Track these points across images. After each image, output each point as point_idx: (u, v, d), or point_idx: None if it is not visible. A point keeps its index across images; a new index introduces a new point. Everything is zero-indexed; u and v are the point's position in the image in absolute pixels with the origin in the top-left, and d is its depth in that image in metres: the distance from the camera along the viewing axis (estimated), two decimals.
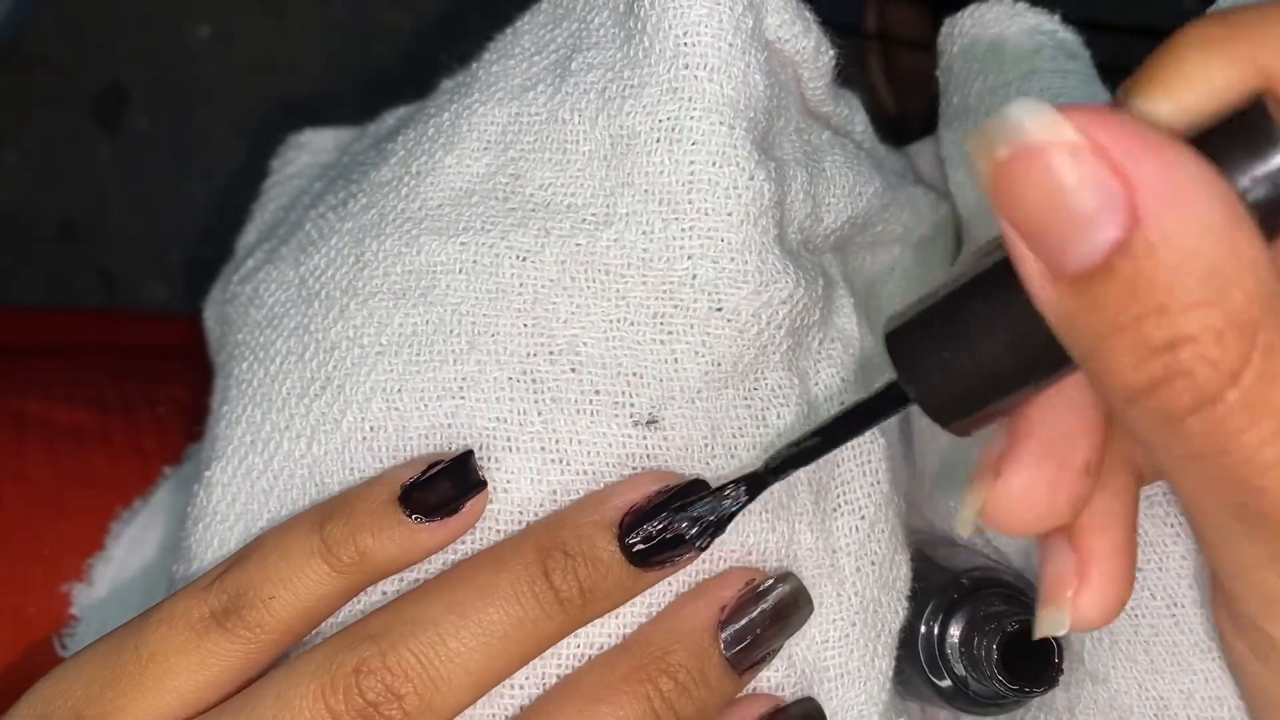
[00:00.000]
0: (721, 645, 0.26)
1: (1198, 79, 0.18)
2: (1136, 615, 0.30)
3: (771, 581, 0.27)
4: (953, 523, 0.35)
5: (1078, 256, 0.16)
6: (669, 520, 0.26)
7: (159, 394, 0.46)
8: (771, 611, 0.26)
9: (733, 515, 0.26)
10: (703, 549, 0.26)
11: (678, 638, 0.26)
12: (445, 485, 0.26)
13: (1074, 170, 0.16)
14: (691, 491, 0.26)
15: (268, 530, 0.27)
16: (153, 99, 0.68)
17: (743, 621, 0.26)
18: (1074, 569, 0.22)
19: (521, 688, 0.26)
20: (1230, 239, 0.16)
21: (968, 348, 0.20)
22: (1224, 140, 0.17)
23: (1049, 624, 0.23)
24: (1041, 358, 0.19)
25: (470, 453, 0.27)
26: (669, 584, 0.27)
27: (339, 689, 0.24)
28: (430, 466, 0.26)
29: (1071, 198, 0.16)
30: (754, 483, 0.26)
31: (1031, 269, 0.17)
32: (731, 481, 0.26)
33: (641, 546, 0.25)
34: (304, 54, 0.69)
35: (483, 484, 0.27)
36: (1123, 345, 0.16)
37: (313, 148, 0.40)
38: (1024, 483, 0.21)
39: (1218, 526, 0.18)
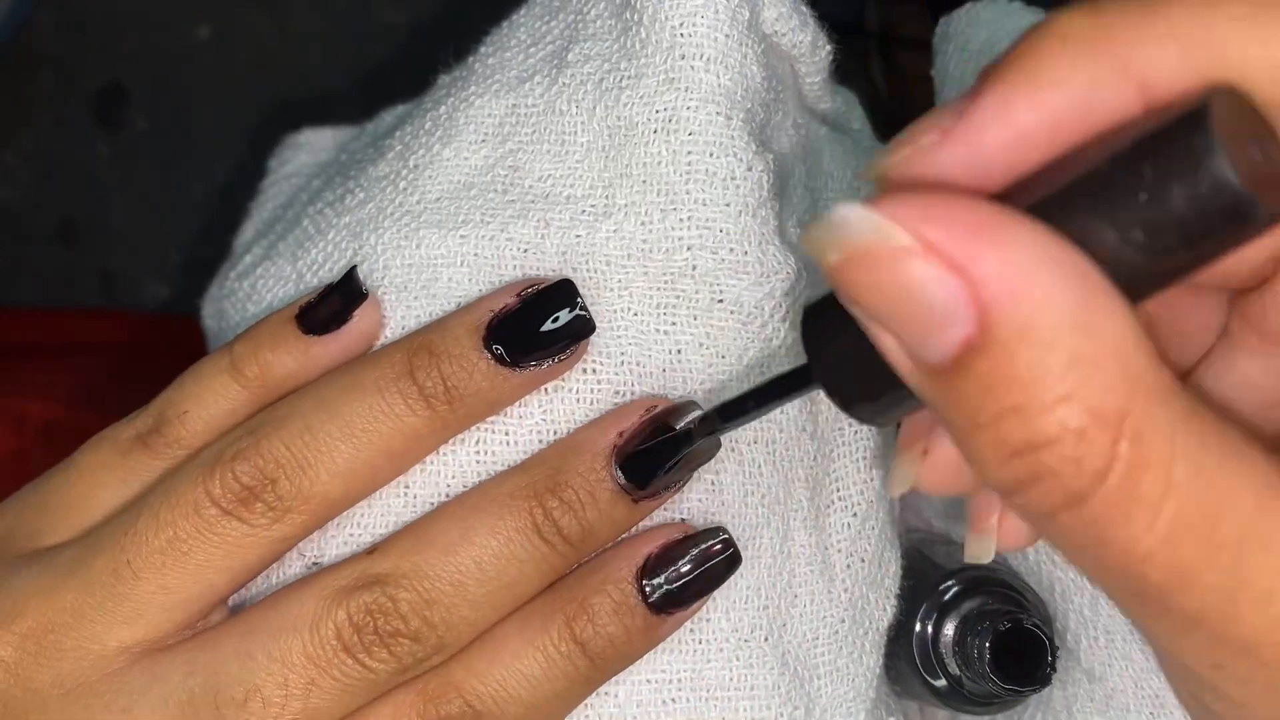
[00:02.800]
0: (615, 469, 0.26)
1: (1062, 80, 0.16)
2: None
3: (675, 408, 0.26)
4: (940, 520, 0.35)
5: (933, 352, 0.15)
6: (534, 321, 0.26)
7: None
8: (673, 439, 0.26)
9: (589, 323, 0.26)
10: (571, 347, 0.26)
11: (570, 458, 0.26)
12: (334, 299, 0.27)
13: (910, 273, 0.15)
14: (555, 291, 0.26)
15: None
16: (153, 99, 0.68)
17: (639, 446, 0.26)
18: (994, 499, 0.22)
19: (417, 497, 0.27)
20: (1087, 323, 0.15)
21: (870, 349, 0.17)
22: (1092, 188, 0.15)
23: (974, 550, 0.23)
24: None
25: (354, 269, 0.28)
26: (573, 414, 0.27)
27: (216, 476, 0.25)
28: (325, 288, 0.28)
29: (914, 299, 0.15)
30: (675, 441, 0.25)
31: (892, 351, 0.16)
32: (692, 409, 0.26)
33: (503, 350, 0.26)
34: (304, 54, 0.69)
35: (365, 294, 0.27)
36: (985, 442, 0.15)
37: (311, 147, 0.40)
38: (954, 459, 0.21)
39: (1125, 607, 0.17)
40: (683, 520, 0.27)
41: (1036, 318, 0.14)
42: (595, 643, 0.25)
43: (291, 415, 0.26)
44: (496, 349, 0.26)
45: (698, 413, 0.26)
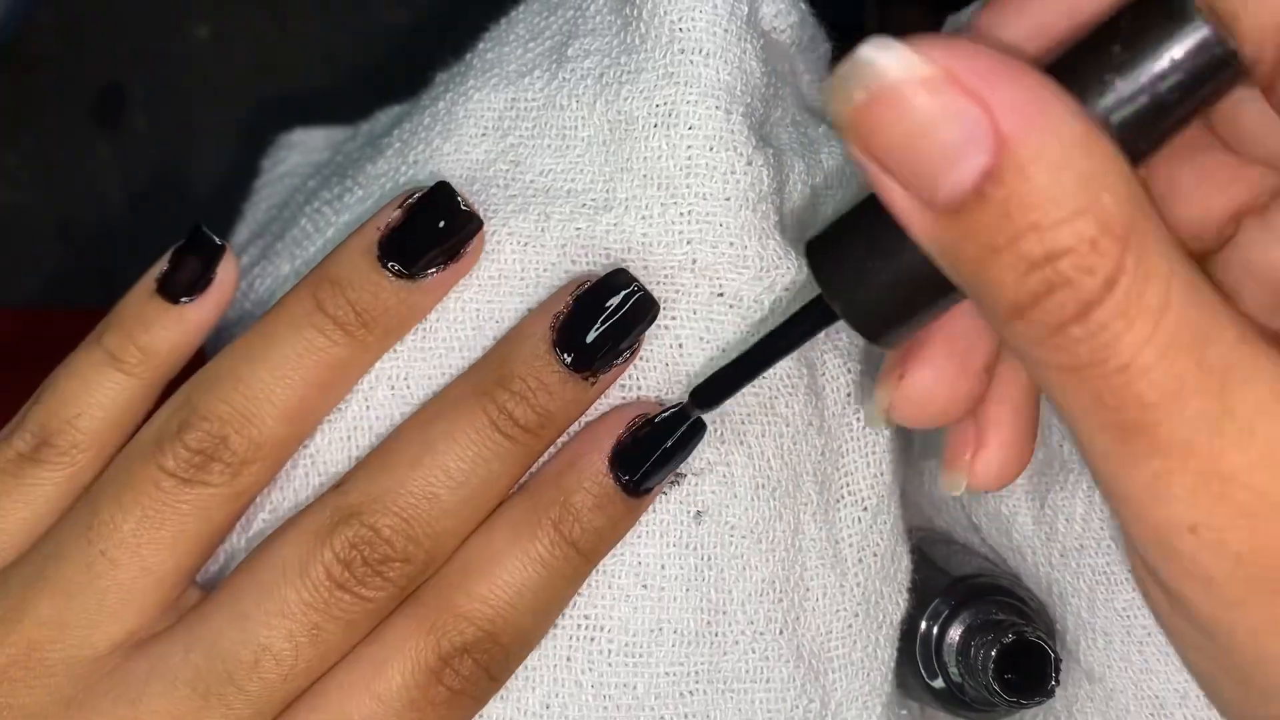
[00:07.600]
0: (557, 349, 0.26)
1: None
2: (1129, 616, 0.30)
3: (604, 281, 0.27)
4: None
5: (949, 188, 0.16)
6: (421, 230, 0.26)
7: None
8: (608, 313, 0.26)
9: (476, 217, 0.27)
10: (463, 245, 0.27)
11: (513, 349, 0.26)
12: (191, 262, 0.27)
13: (935, 103, 0.16)
14: (435, 195, 0.26)
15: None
16: (153, 99, 0.68)
17: (577, 323, 0.26)
18: (973, 435, 0.23)
19: (379, 418, 0.27)
20: (1094, 147, 0.16)
21: (886, 257, 0.19)
22: (1083, 59, 0.18)
23: (948, 484, 0.24)
24: None
25: (199, 225, 0.28)
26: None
27: (168, 451, 0.25)
28: (174, 253, 0.27)
29: (936, 131, 0.16)
30: (679, 415, 0.26)
31: (902, 204, 0.17)
32: (675, 408, 0.26)
33: (398, 264, 0.26)
34: (304, 54, 0.69)
35: (221, 247, 0.27)
36: (1003, 264, 0.16)
37: (304, 147, 0.40)
38: (926, 383, 0.22)
39: (1101, 451, 0.18)
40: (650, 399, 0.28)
41: (1049, 141, 0.16)
42: (585, 539, 0.26)
43: (220, 376, 0.26)
44: (392, 265, 0.26)
45: (638, 288, 0.26)
